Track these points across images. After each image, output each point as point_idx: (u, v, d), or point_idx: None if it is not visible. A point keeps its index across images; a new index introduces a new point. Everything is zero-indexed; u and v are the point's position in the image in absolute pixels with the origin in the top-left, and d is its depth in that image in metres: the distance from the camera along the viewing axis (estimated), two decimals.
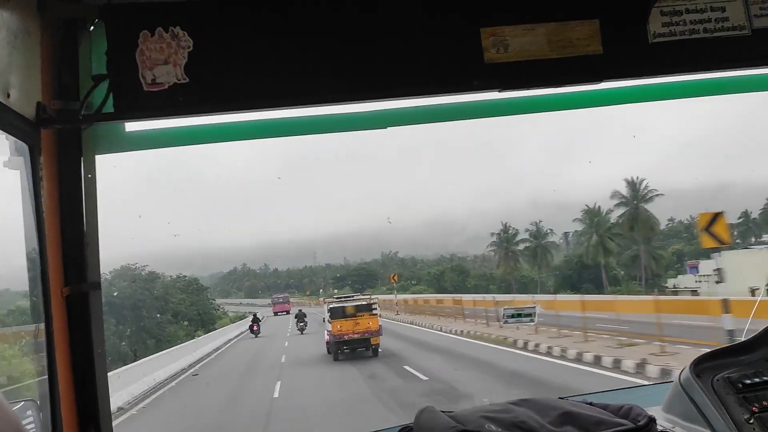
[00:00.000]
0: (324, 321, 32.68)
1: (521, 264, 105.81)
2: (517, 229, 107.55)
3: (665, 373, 18.11)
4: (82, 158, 2.58)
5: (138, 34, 2.42)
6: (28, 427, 2.38)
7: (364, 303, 31.97)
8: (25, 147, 2.26)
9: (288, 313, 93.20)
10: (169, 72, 2.44)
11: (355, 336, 30.32)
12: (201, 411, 22.23)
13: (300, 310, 58.75)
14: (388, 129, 3.05)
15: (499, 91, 2.73)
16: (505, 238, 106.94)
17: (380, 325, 30.77)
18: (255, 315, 57.97)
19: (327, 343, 32.08)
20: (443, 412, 2.01)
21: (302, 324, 52.94)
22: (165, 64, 2.44)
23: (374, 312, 30.95)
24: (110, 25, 2.45)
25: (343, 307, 31.22)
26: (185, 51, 2.45)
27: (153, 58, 2.43)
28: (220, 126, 2.88)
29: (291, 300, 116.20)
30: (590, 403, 2.10)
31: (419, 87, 2.65)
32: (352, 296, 37.51)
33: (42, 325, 2.35)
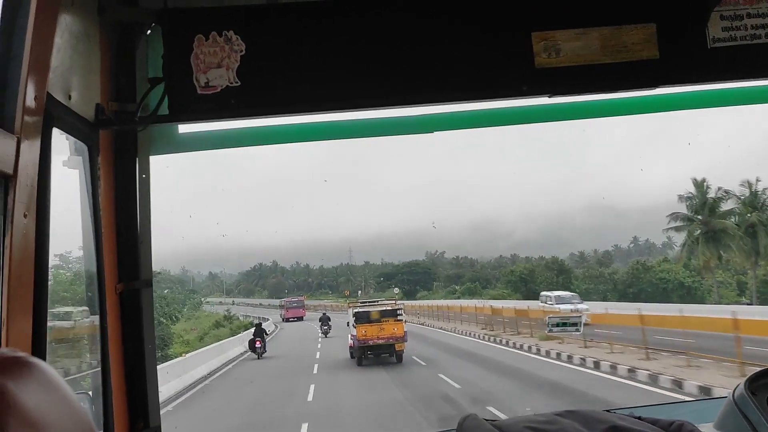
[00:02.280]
0: (348, 325, 32.19)
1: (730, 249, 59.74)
2: (727, 191, 61.34)
3: None
4: (137, 159, 2.66)
5: (193, 38, 2.48)
6: None
7: (390, 308, 31.70)
8: (84, 147, 2.34)
9: (301, 319, 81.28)
10: (222, 75, 2.49)
11: (380, 341, 29.95)
12: None
13: (324, 313, 54.66)
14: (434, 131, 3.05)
15: (549, 97, 2.69)
16: (703, 206, 61.00)
17: (405, 331, 30.41)
18: (258, 325, 39.71)
19: (351, 347, 31.81)
20: (487, 420, 1.99)
21: (326, 327, 49.36)
22: (218, 67, 2.49)
23: (399, 318, 30.64)
24: (166, 29, 2.51)
25: (368, 312, 30.94)
26: (238, 55, 2.49)
27: (207, 62, 2.49)
28: (269, 128, 2.93)
29: (326, 303, 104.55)
30: (639, 417, 2.04)
31: (466, 92, 2.63)
32: (377, 301, 36.61)
33: (96, 320, 2.42)
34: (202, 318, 75.26)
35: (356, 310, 31.41)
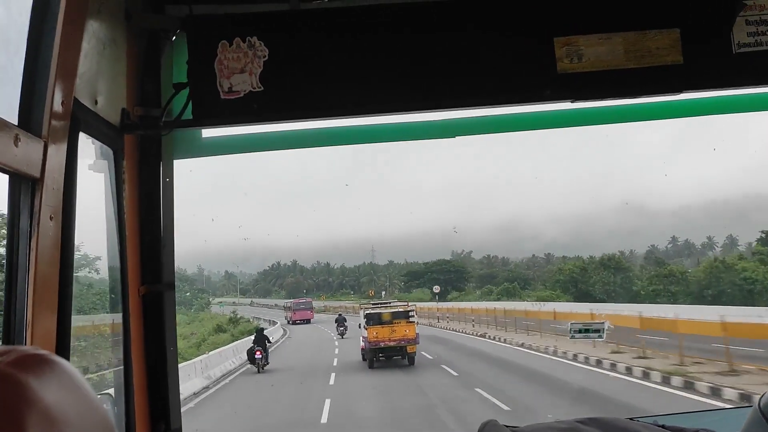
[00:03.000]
0: (359, 327, 31.48)
1: None
2: None
3: None
4: (161, 163, 2.69)
5: (217, 44, 2.51)
6: None
7: (401, 310, 31.20)
8: (109, 151, 2.38)
9: (309, 322, 75.51)
10: (245, 80, 2.51)
11: (391, 343, 29.38)
12: None
13: (340, 314, 53.50)
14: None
15: (572, 102, 2.68)
16: None
17: (417, 333, 29.81)
18: (260, 331, 32.51)
19: (362, 349, 31.21)
20: (507, 427, 1.98)
21: (342, 329, 47.80)
22: (241, 72, 2.51)
23: (411, 319, 30.05)
24: (191, 35, 2.55)
25: (380, 314, 30.39)
26: (261, 60, 2.52)
27: (230, 67, 2.52)
28: (291, 133, 2.94)
29: (347, 304, 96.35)
30: (663, 426, 2.01)
31: (489, 97, 2.62)
32: (389, 303, 35.92)
33: (119, 321, 2.45)
34: (206, 320, 69.14)
35: (367, 312, 31.05)
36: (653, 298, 57.84)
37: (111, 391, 2.46)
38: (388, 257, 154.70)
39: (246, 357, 32.06)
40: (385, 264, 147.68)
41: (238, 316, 66.27)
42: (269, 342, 33.12)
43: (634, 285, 70.18)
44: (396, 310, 31.33)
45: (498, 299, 75.88)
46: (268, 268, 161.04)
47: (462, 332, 46.78)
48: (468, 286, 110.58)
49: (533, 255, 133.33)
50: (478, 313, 53.39)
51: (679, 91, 2.64)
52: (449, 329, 51.08)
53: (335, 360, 34.17)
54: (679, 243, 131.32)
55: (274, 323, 63.37)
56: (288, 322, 75.35)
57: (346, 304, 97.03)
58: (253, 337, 32.78)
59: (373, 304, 35.98)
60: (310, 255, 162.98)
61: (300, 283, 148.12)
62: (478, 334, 43.40)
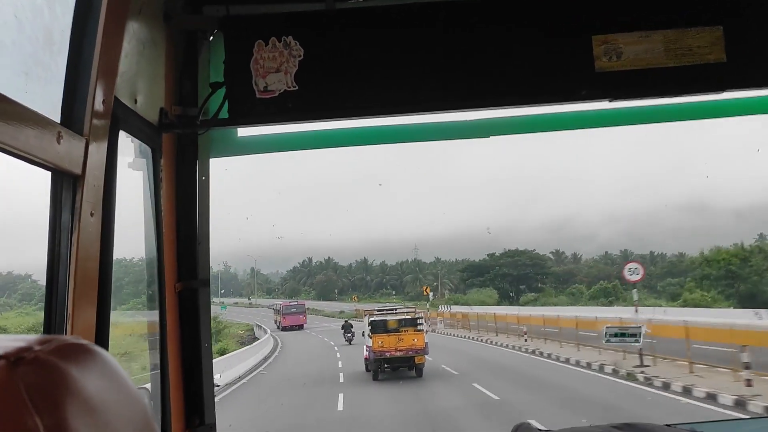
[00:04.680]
0: (363, 335, 29.04)
1: None
2: None
3: None
4: (197, 161, 2.73)
5: (253, 44, 2.54)
6: None
7: (409, 317, 28.37)
8: (147, 150, 2.42)
9: (301, 328, 63.91)
10: (280, 80, 2.53)
11: (398, 354, 26.40)
12: None
13: (346, 321, 47.75)
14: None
15: (609, 101, 2.63)
16: None
17: (426, 342, 26.83)
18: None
19: (366, 359, 28.31)
20: (540, 430, 1.96)
21: (349, 335, 44.03)
22: (277, 72, 2.54)
23: (419, 328, 27.28)
24: (228, 35, 2.58)
25: (385, 321, 27.66)
26: (296, 59, 2.53)
27: (266, 67, 2.54)
28: (325, 132, 2.96)
29: (392, 306, 60.15)
30: None
31: (524, 96, 2.60)
32: (395, 309, 32.73)
33: (155, 317, 2.49)
34: None
35: (372, 319, 28.19)
36: None
37: (147, 385, 2.50)
38: (431, 256, 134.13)
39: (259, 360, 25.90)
40: (432, 261, 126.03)
41: (222, 326, 47.35)
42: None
43: None
44: (403, 317, 28.69)
45: (611, 303, 58.37)
46: (298, 266, 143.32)
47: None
48: (545, 284, 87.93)
49: (606, 252, 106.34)
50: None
51: (722, 90, 2.57)
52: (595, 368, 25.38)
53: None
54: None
55: (265, 331, 53.26)
56: (277, 327, 64.62)
57: (392, 304, 69.78)
58: (263, 341, 25.88)
59: (377, 310, 32.16)
60: (346, 254, 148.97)
61: (332, 282, 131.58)
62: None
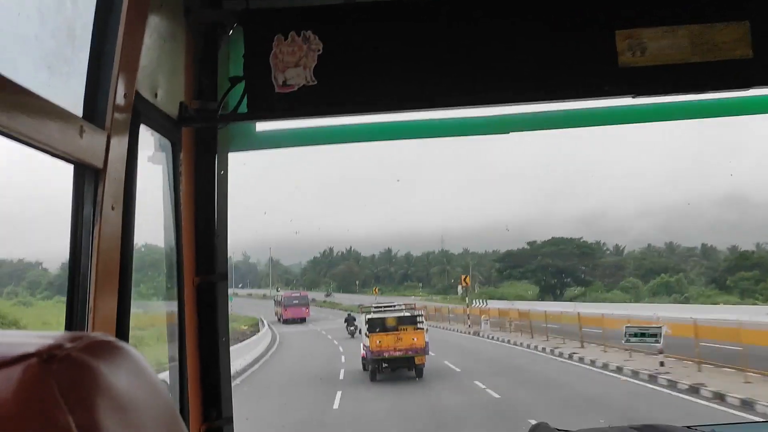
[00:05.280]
0: (360, 333, 27.55)
1: None
2: None
3: None
4: (216, 155, 2.74)
5: (273, 38, 2.54)
6: None
7: (408, 315, 27.02)
8: (167, 143, 2.43)
9: (303, 321, 60.69)
10: (300, 74, 2.53)
11: (397, 354, 24.95)
12: None
13: (349, 314, 45.70)
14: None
15: (633, 97, 2.59)
16: None
17: (426, 342, 25.36)
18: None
19: (363, 358, 26.84)
20: (558, 430, 1.94)
21: (352, 328, 41.74)
22: (296, 66, 2.53)
23: (419, 326, 25.98)
24: (248, 29, 2.58)
25: (383, 319, 26.22)
26: (315, 54, 2.53)
27: (285, 61, 2.54)
28: (345, 127, 2.95)
29: (416, 302, 55.09)
30: None
31: (546, 92, 2.57)
32: (393, 306, 30.89)
33: (174, 310, 2.51)
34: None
35: (369, 317, 26.76)
36: None
37: (166, 377, 2.52)
38: (458, 247, 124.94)
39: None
40: (460, 252, 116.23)
41: None
42: None
43: None
44: (402, 314, 27.27)
45: (685, 301, 51.60)
46: (318, 256, 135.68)
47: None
48: (594, 279, 76.98)
49: (648, 245, 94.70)
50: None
51: (749, 86, 2.53)
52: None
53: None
54: None
55: (265, 325, 50.17)
56: (278, 320, 62.38)
57: (417, 300, 66.31)
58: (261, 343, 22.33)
59: (375, 307, 30.40)
60: (368, 245, 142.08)
61: (353, 273, 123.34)
62: None
